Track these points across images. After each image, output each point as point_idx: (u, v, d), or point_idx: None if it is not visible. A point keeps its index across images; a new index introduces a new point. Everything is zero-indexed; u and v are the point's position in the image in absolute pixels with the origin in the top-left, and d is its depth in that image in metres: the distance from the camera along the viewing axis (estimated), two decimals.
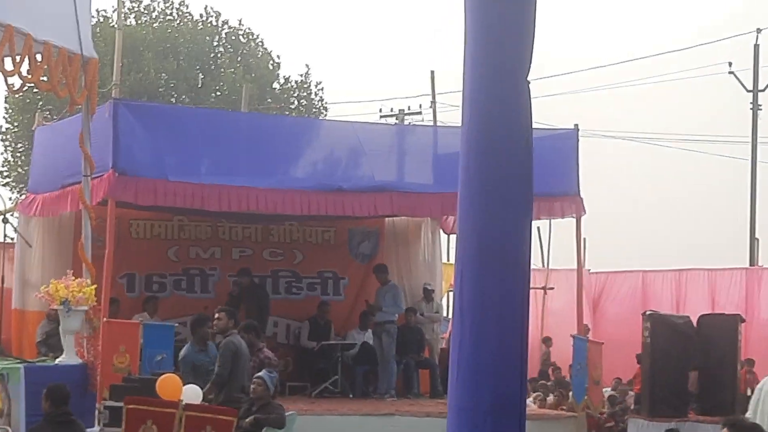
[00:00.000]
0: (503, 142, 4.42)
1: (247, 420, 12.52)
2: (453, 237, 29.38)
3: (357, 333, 19.38)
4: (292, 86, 42.90)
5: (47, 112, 30.04)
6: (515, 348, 4.20)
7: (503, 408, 4.12)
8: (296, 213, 17.02)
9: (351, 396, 18.42)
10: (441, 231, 20.74)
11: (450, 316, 27.20)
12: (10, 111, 37.43)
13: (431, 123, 19.04)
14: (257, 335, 14.94)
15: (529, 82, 4.64)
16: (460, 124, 4.76)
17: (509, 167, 4.40)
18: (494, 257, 4.28)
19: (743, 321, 18.32)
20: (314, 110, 42.26)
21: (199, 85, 40.04)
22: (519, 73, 4.63)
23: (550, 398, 20.46)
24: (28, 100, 36.37)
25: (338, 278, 20.25)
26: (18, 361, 13.20)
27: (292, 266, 20.02)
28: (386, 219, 20.21)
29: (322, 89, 43.34)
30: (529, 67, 4.64)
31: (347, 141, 17.44)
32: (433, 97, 34.34)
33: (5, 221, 15.34)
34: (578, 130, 18.11)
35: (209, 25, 42.73)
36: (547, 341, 24.50)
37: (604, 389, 19.63)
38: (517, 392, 4.18)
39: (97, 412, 13.12)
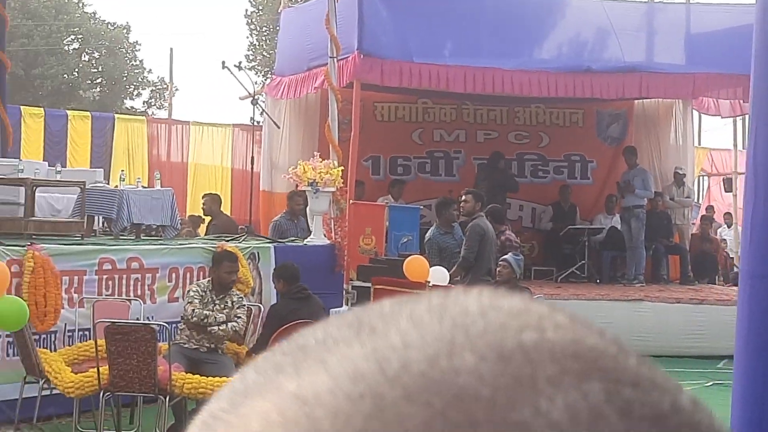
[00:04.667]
0: None
1: None
2: (705, 118, 28.31)
3: (604, 217, 19.05)
4: None
5: None
6: None
7: None
8: (542, 95, 16.70)
9: (598, 281, 18.15)
10: (693, 113, 19.98)
11: (700, 201, 26.29)
12: None
13: (684, 1, 18.17)
14: (500, 219, 14.76)
15: None
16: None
17: None
18: None
19: None
20: None
21: None
22: None
23: None
24: None
25: (586, 161, 19.87)
26: (268, 240, 13.41)
27: (538, 149, 19.76)
28: (635, 101, 19.66)
29: None
30: None
31: (595, 20, 16.94)
32: None
33: (254, 103, 15.53)
34: None
35: None
36: None
37: None
38: None
39: (344, 292, 13.26)
